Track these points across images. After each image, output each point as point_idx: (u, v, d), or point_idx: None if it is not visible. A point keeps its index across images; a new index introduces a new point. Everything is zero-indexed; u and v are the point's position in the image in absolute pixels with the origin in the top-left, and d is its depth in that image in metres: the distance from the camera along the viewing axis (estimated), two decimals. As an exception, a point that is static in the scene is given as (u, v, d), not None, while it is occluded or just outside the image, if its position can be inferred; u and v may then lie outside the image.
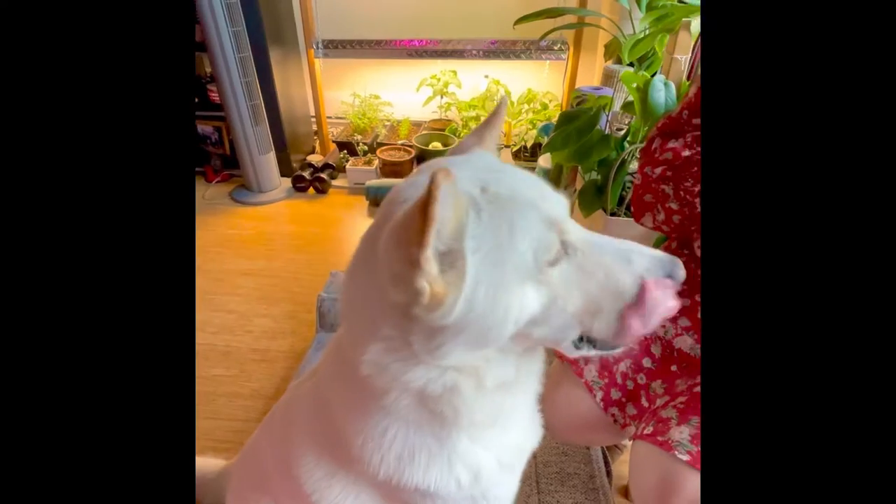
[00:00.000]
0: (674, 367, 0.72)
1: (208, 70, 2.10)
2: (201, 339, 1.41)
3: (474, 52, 2.22)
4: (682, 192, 0.70)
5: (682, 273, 0.43)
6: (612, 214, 1.20)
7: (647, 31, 1.00)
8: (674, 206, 0.70)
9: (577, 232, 0.43)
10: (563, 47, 2.13)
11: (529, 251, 0.39)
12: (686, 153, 0.68)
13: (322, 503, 0.59)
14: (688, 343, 0.72)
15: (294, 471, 0.61)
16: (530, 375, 0.51)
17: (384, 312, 0.42)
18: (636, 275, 0.42)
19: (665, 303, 0.41)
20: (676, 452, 0.58)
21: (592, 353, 0.46)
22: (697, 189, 0.67)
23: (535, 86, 2.33)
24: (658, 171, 0.72)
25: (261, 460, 0.72)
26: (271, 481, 0.68)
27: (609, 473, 1.00)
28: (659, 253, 0.43)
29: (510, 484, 0.59)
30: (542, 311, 0.41)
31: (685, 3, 0.92)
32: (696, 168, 0.65)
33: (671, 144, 0.73)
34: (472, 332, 0.40)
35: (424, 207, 0.33)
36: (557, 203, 0.43)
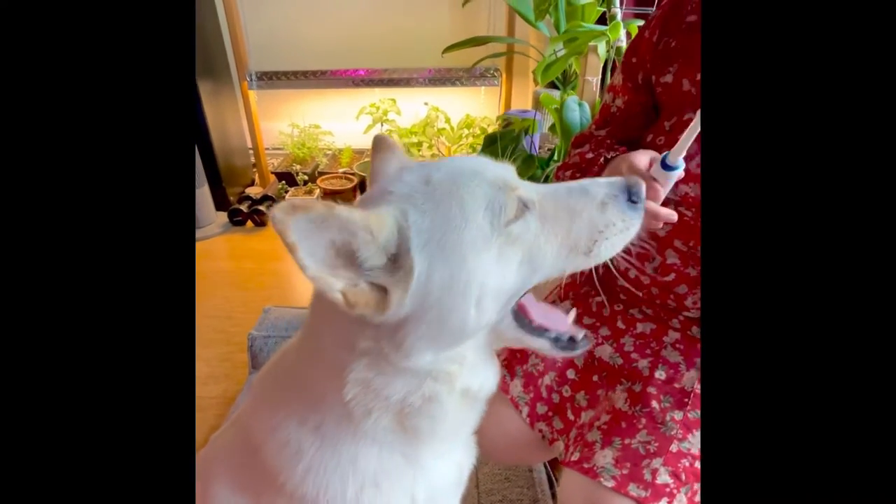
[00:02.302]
0: (595, 378, 0.72)
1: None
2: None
3: (413, 80, 2.26)
4: None
5: (641, 189, 0.47)
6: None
7: (559, 55, 1.05)
8: None
9: (529, 187, 0.46)
10: (495, 73, 2.20)
11: (485, 220, 0.41)
12: (589, 155, 0.71)
13: None
14: (608, 352, 0.73)
15: None
16: (482, 391, 0.51)
17: (355, 327, 0.43)
18: (598, 202, 0.45)
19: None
20: (602, 479, 0.58)
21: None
22: None
23: (473, 111, 2.39)
24: (569, 174, 0.74)
25: None
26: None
27: (554, 496, 0.98)
28: (610, 178, 0.47)
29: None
30: (517, 269, 0.43)
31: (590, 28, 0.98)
32: (596, 167, 0.67)
33: (577, 150, 0.75)
34: (431, 321, 0.41)
35: (284, 242, 0.36)
36: (503, 168, 0.46)
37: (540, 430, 0.72)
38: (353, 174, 2.22)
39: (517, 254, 0.43)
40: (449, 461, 0.52)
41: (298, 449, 0.47)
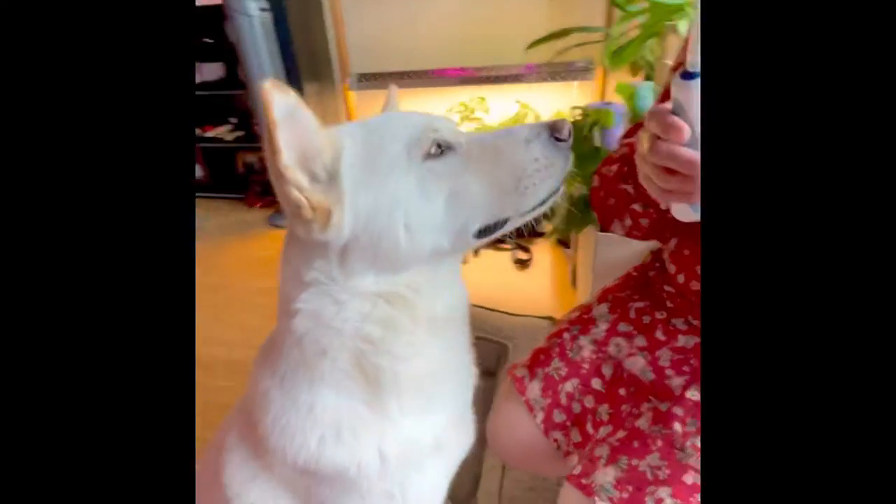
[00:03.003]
0: (622, 391, 0.64)
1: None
2: (209, 351, 1.49)
3: (507, 77, 2.24)
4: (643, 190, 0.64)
5: (564, 127, 0.46)
6: (603, 230, 1.13)
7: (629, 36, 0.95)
8: (638, 207, 0.64)
9: (457, 131, 0.49)
10: (589, 67, 2.09)
11: (402, 149, 0.45)
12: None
13: None
14: (639, 365, 0.64)
15: (220, 477, 0.62)
16: (450, 313, 0.52)
17: (302, 256, 0.47)
18: (520, 140, 0.46)
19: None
20: (597, 499, 0.52)
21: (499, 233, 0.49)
22: None
23: (566, 107, 2.29)
24: (614, 168, 0.66)
25: (199, 475, 0.73)
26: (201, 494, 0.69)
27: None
28: (540, 121, 0.47)
29: (434, 482, 0.55)
30: (445, 205, 0.45)
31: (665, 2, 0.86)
32: None
33: (626, 140, 0.67)
34: (370, 241, 0.44)
35: (266, 117, 0.39)
36: (436, 119, 0.49)
37: (555, 440, 0.67)
38: (437, 170, 2.25)
39: (442, 190, 0.45)
40: (424, 424, 0.51)
41: (268, 400, 0.50)
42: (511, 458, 0.72)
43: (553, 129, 0.46)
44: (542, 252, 1.88)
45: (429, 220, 0.45)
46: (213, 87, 2.44)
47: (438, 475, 0.55)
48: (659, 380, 0.62)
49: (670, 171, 0.44)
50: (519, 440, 0.68)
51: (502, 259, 1.86)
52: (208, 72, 2.45)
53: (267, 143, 0.40)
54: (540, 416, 0.67)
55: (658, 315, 0.68)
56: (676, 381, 0.60)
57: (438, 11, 2.33)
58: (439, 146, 0.46)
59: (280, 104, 0.38)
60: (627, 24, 0.93)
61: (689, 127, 0.42)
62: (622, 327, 0.69)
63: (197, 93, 2.40)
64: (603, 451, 0.56)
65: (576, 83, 2.22)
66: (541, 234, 1.90)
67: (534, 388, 0.69)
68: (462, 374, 0.55)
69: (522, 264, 1.80)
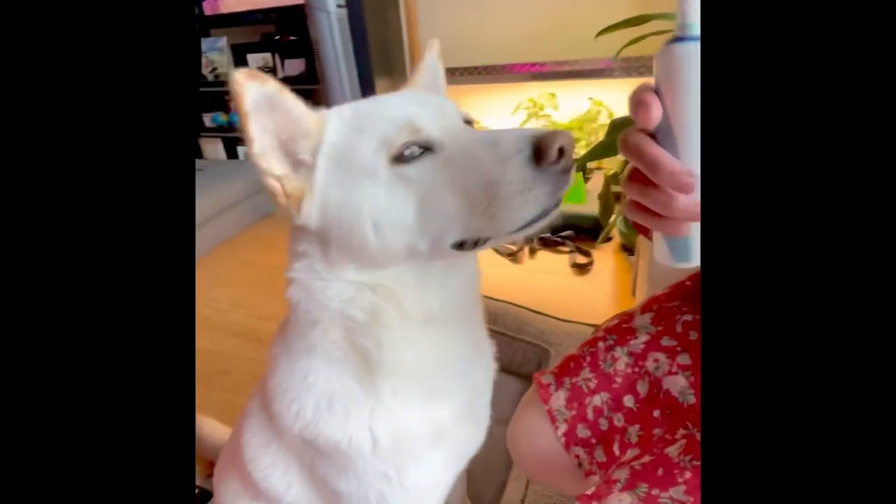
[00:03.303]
0: (656, 413, 0.57)
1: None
2: (264, 327, 1.57)
3: (579, 72, 2.15)
4: None
5: (553, 144, 0.36)
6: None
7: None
8: None
9: (447, 127, 0.43)
10: (670, 62, 1.93)
11: (375, 148, 0.41)
12: None
13: (255, 473, 0.61)
14: (679, 385, 0.57)
15: (240, 438, 0.64)
16: (444, 311, 0.48)
17: (295, 226, 0.47)
18: (500, 154, 0.38)
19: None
20: None
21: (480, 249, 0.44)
22: None
23: (642, 105, 2.15)
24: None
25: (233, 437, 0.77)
26: (235, 456, 0.72)
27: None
28: (529, 129, 0.39)
29: (433, 471, 0.53)
30: (416, 212, 0.41)
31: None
32: None
33: None
34: (341, 235, 0.43)
35: (238, 108, 0.39)
36: (423, 106, 0.44)
37: (576, 456, 0.61)
38: (499, 168, 2.21)
39: (412, 196, 0.41)
40: (423, 413, 0.49)
41: (275, 364, 0.51)
42: (528, 468, 0.67)
43: (537, 149, 0.37)
44: (605, 257, 1.77)
45: (398, 225, 0.42)
46: (294, 82, 2.58)
47: (440, 466, 0.53)
48: (700, 405, 0.54)
49: (640, 179, 0.34)
50: (537, 451, 0.64)
51: (560, 262, 1.78)
52: (290, 67, 2.60)
53: (244, 134, 0.40)
54: (562, 428, 0.62)
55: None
56: (720, 409, 0.53)
57: (512, 6, 2.28)
58: (419, 146, 0.41)
59: (253, 94, 0.38)
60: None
61: (667, 112, 0.31)
62: (665, 341, 0.61)
63: (279, 87, 2.55)
64: (622, 475, 0.50)
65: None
66: (608, 239, 1.79)
67: (559, 398, 0.64)
68: (468, 369, 0.52)
69: (581, 269, 1.70)
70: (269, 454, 0.59)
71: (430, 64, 0.57)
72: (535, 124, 2.30)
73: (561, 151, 0.36)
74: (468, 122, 0.48)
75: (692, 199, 0.33)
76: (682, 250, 0.36)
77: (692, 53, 0.30)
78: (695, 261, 0.36)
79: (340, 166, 0.43)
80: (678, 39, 0.31)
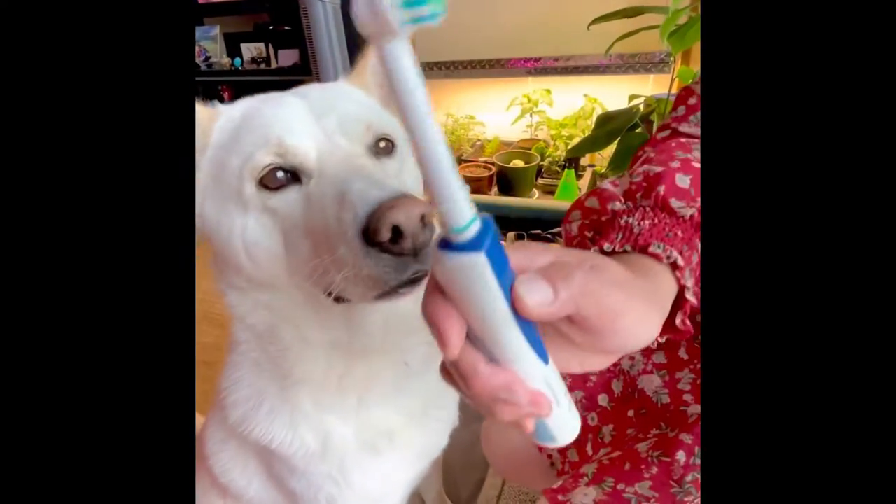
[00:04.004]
0: (630, 413, 0.56)
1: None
2: (227, 312, 1.55)
3: (574, 68, 2.13)
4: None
5: (383, 222, 0.28)
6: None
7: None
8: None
9: (331, 152, 0.36)
10: (666, 59, 1.92)
11: (237, 168, 0.37)
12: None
13: (216, 468, 0.60)
14: (654, 385, 0.56)
15: (203, 432, 0.63)
16: (391, 353, 0.45)
17: None
18: (338, 218, 0.31)
19: None
20: None
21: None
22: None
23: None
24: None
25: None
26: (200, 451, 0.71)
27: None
28: (383, 190, 0.30)
29: (383, 475, 0.52)
30: (286, 249, 0.36)
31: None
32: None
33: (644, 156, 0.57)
34: (219, 251, 0.40)
35: None
36: (318, 117, 0.37)
37: (549, 456, 0.60)
38: (492, 164, 2.20)
39: (277, 229, 0.36)
40: (350, 418, 0.46)
41: (226, 365, 0.49)
42: (502, 466, 0.66)
43: (365, 226, 0.29)
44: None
45: (270, 257, 0.37)
46: (288, 73, 2.55)
47: (390, 469, 0.51)
48: (674, 404, 0.53)
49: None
50: (510, 450, 0.63)
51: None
52: (283, 58, 2.57)
53: None
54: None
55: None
56: (693, 410, 0.51)
57: (510, 0, 2.26)
58: (285, 171, 0.35)
59: None
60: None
61: (467, 320, 0.23)
62: (641, 340, 0.60)
63: (272, 78, 2.53)
64: (589, 469, 0.49)
65: (651, 76, 2.05)
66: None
67: (532, 396, 0.62)
68: (414, 381, 0.49)
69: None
70: (229, 450, 0.58)
71: None
72: (530, 120, 2.28)
73: (397, 231, 0.28)
74: (384, 140, 0.41)
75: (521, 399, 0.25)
76: (540, 431, 0.28)
77: (472, 265, 0.21)
78: (559, 443, 0.30)
79: (216, 179, 0.38)
80: (450, 247, 0.21)
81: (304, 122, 0.37)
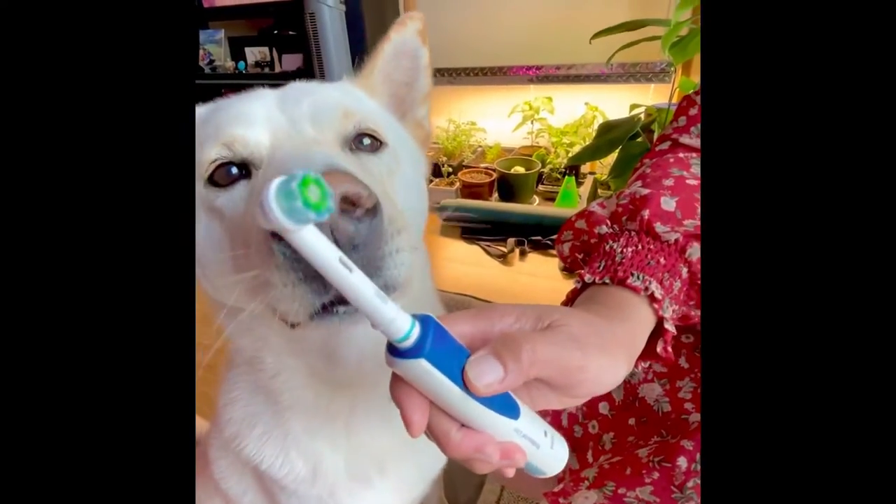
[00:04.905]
0: (631, 421, 0.57)
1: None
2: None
3: (576, 76, 2.15)
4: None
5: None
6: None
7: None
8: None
9: (278, 143, 0.31)
10: (666, 68, 1.94)
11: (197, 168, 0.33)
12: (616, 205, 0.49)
13: (216, 473, 0.60)
14: (654, 393, 0.56)
15: (206, 437, 0.63)
16: (375, 387, 0.43)
17: None
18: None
19: None
20: None
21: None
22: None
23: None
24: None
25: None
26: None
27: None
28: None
29: (379, 498, 0.52)
30: (234, 264, 0.30)
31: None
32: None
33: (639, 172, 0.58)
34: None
35: None
36: (289, 106, 0.34)
37: (549, 462, 0.60)
38: (493, 170, 2.21)
39: (224, 232, 0.31)
40: (339, 446, 0.46)
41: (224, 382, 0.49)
42: (500, 472, 0.66)
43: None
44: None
45: (218, 267, 0.32)
46: (292, 77, 2.56)
47: (386, 496, 0.50)
48: (675, 412, 0.54)
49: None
50: (511, 457, 0.63)
51: (550, 265, 1.77)
52: (287, 62, 2.58)
53: None
54: (536, 434, 0.61)
55: (684, 339, 0.59)
56: (695, 418, 0.52)
57: (514, 8, 2.28)
58: (236, 165, 0.31)
59: None
60: (687, 11, 0.82)
61: (434, 400, 0.25)
62: (641, 348, 0.61)
63: (276, 81, 2.54)
64: (590, 473, 0.50)
65: (652, 86, 2.07)
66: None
67: (533, 403, 0.63)
68: (393, 408, 0.48)
69: (571, 272, 1.70)
70: (228, 457, 0.58)
71: (402, 46, 0.44)
72: (531, 127, 2.29)
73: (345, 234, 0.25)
74: (370, 137, 0.36)
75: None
76: (528, 467, 0.30)
77: (417, 366, 0.24)
78: (549, 474, 0.31)
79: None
80: (396, 353, 0.24)
81: (266, 111, 0.34)
